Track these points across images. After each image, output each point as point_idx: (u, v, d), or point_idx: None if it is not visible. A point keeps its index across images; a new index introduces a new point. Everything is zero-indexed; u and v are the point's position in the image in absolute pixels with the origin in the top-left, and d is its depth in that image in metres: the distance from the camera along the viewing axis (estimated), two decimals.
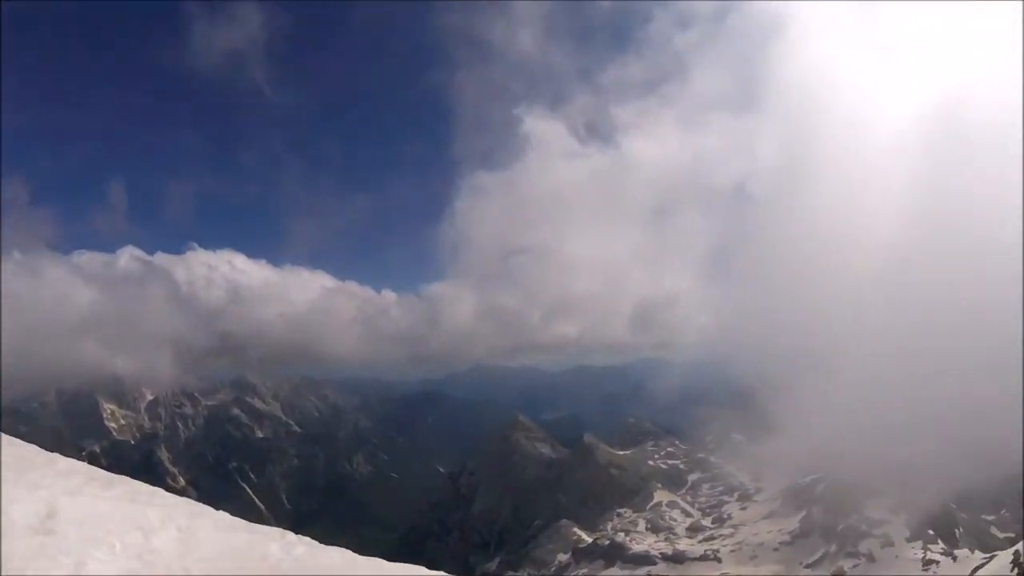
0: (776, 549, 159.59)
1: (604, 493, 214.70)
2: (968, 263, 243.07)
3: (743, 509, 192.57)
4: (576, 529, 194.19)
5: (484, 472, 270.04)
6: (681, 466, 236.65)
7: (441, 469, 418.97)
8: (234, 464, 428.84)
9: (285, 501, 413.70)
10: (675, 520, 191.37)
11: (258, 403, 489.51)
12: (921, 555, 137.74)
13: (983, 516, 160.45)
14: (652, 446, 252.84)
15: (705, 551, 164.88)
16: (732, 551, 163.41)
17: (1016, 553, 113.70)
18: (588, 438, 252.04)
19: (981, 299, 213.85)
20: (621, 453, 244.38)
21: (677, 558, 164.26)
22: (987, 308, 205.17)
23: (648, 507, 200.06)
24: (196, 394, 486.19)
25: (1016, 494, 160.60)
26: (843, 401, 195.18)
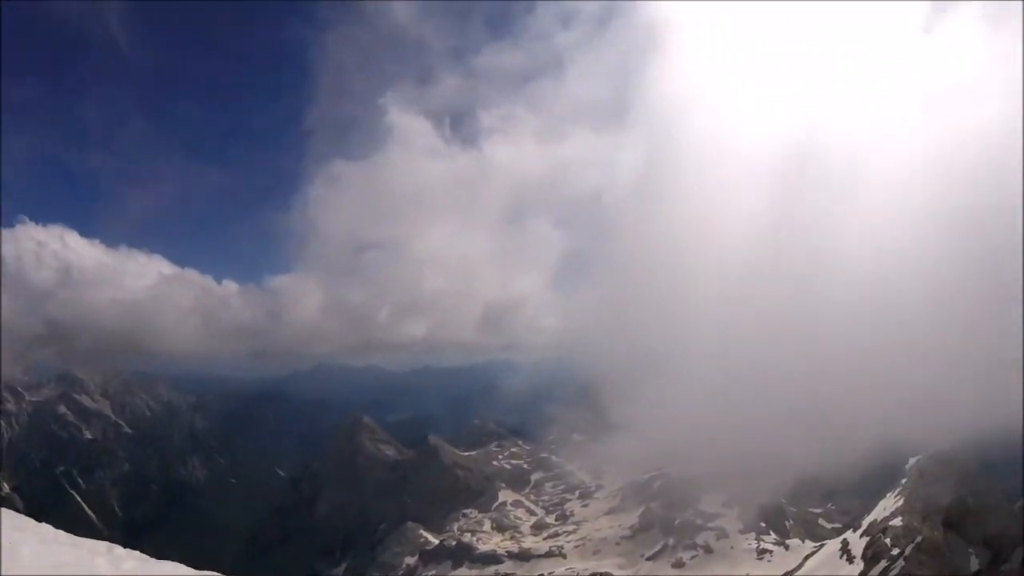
0: (618, 543, 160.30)
1: (450, 494, 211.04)
2: (805, 282, 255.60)
3: (585, 506, 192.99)
4: (423, 531, 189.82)
5: (328, 475, 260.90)
6: (525, 466, 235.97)
7: (282, 473, 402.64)
8: (62, 468, 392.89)
9: (117, 509, 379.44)
10: (520, 519, 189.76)
11: (86, 400, 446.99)
12: (755, 545, 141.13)
13: (811, 509, 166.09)
14: (496, 447, 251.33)
15: (550, 548, 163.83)
16: (576, 547, 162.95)
17: (844, 541, 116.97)
18: (433, 439, 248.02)
19: (814, 313, 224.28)
20: (466, 454, 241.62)
21: (523, 556, 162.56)
22: (819, 321, 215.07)
23: (493, 507, 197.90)
24: (19, 388, 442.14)
25: (844, 488, 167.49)
26: (680, 402, 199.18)
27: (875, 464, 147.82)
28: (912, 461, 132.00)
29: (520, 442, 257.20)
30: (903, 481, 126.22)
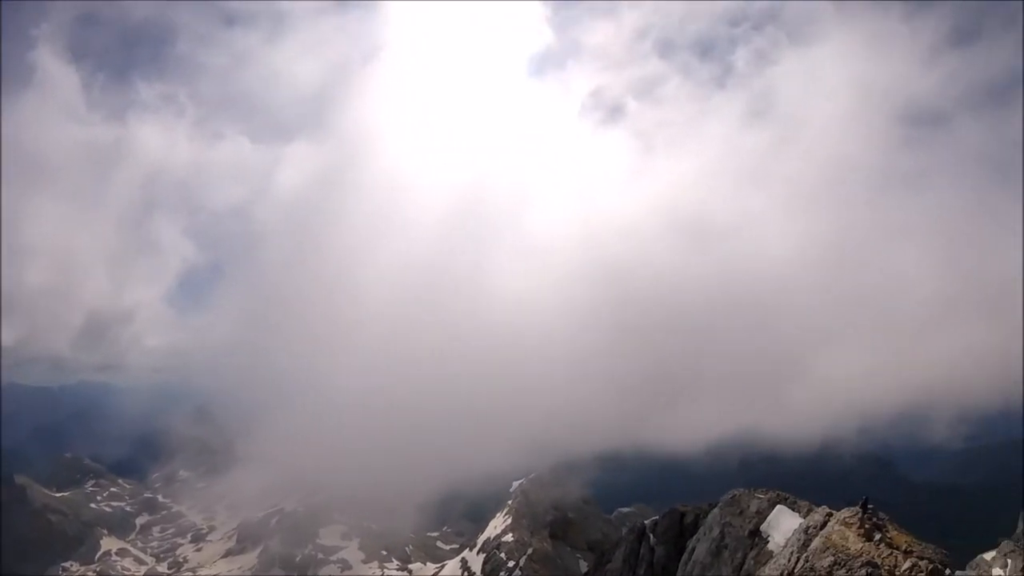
0: None
1: (43, 544, 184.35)
2: (459, 319, 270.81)
3: (199, 550, 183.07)
4: None
5: None
6: (128, 508, 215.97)
7: None
8: None
9: None
10: (128, 569, 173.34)
11: None
12: (380, 573, 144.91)
13: (428, 533, 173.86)
14: (94, 486, 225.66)
15: None
16: None
17: (463, 560, 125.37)
18: (19, 478, 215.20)
19: (459, 350, 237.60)
20: (59, 495, 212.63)
21: None
22: (463, 357, 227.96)
23: (96, 557, 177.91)
24: None
25: (455, 513, 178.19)
26: (309, 432, 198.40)
27: (482, 490, 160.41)
28: (516, 484, 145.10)
29: (121, 480, 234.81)
30: (509, 502, 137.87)
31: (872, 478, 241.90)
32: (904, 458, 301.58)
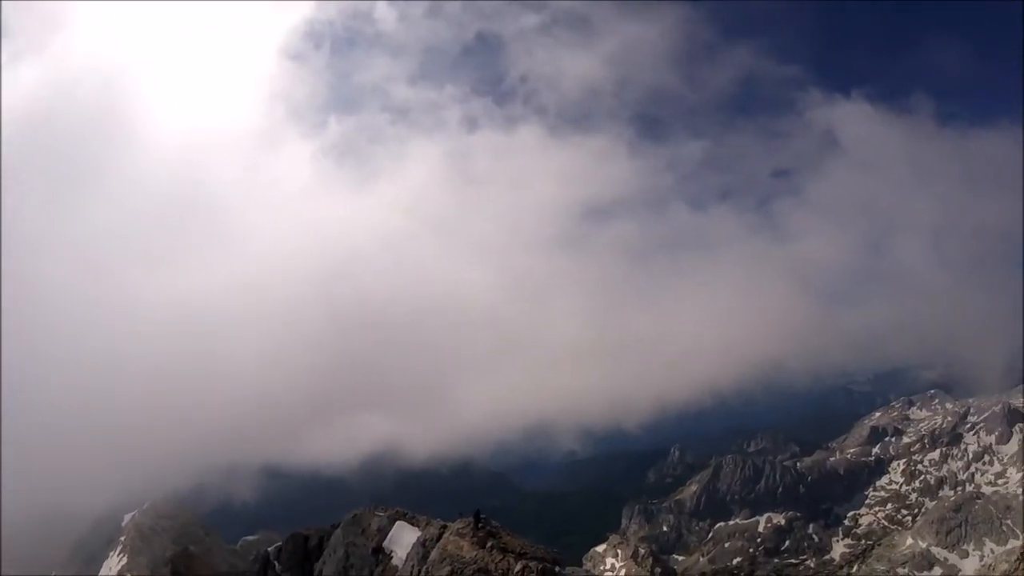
0: None
1: None
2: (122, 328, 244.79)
3: None
4: None
5: None
6: None
7: None
8: None
9: None
10: None
11: None
12: None
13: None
14: None
15: None
16: None
17: None
18: None
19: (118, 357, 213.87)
20: None
21: None
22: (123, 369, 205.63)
23: None
24: None
25: (64, 553, 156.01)
26: None
27: (92, 524, 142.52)
28: (128, 517, 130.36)
29: None
30: (122, 539, 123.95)
31: (497, 490, 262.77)
32: (528, 471, 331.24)
